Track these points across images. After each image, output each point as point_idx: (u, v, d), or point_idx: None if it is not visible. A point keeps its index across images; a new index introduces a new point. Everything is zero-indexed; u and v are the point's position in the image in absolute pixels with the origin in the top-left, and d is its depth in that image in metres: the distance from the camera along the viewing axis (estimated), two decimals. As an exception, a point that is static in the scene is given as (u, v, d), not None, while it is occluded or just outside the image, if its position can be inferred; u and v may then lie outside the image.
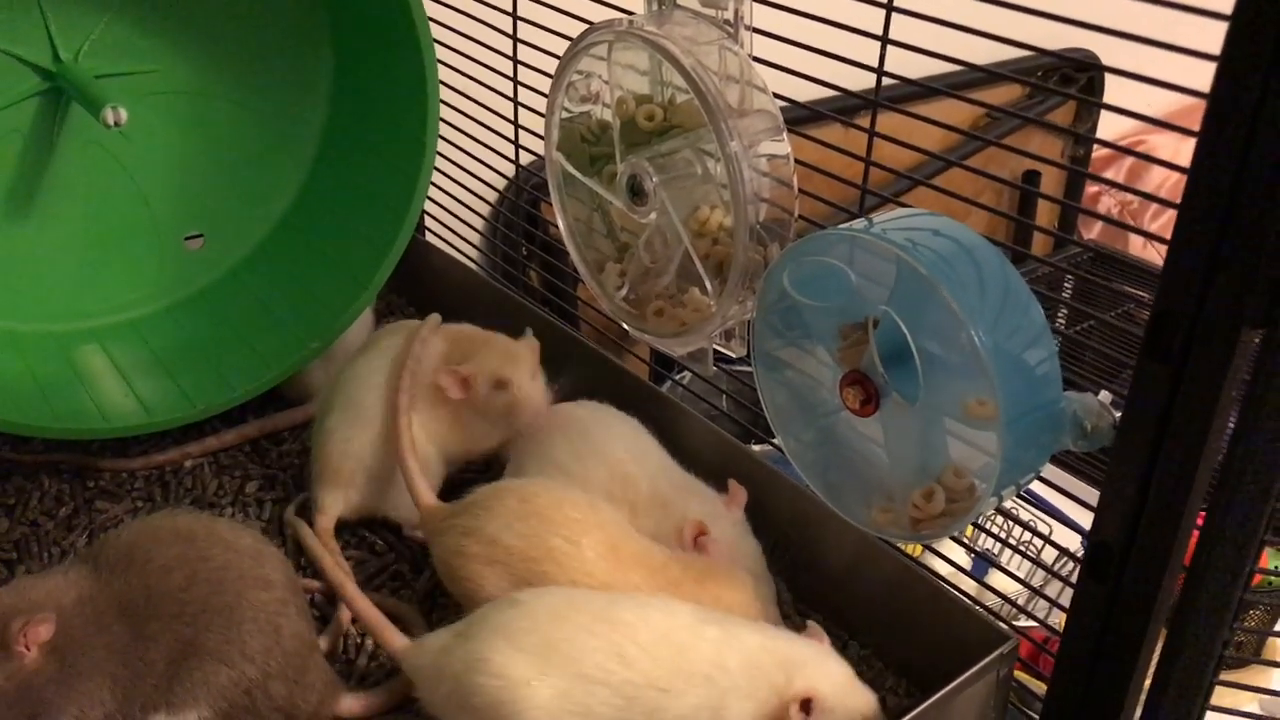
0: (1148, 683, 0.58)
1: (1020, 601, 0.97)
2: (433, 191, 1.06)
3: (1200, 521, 0.54)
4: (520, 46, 0.95)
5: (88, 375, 0.86)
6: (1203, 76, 0.47)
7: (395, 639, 0.66)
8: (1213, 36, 0.46)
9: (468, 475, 0.85)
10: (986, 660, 0.61)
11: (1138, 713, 0.59)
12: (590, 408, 0.79)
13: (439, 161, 0.97)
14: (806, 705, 0.57)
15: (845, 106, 0.77)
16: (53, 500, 0.84)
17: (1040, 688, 0.64)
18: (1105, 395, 0.57)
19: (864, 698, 0.60)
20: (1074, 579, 0.59)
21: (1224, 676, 0.58)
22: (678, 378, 1.15)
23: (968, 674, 0.60)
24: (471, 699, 0.58)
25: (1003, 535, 1.06)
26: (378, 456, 0.79)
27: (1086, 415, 0.57)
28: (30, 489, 0.84)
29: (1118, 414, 0.55)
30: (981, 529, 0.92)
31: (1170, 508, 0.53)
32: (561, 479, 0.74)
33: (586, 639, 0.58)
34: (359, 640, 0.72)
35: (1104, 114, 1.69)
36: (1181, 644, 0.55)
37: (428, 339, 0.79)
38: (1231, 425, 0.51)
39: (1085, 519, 0.58)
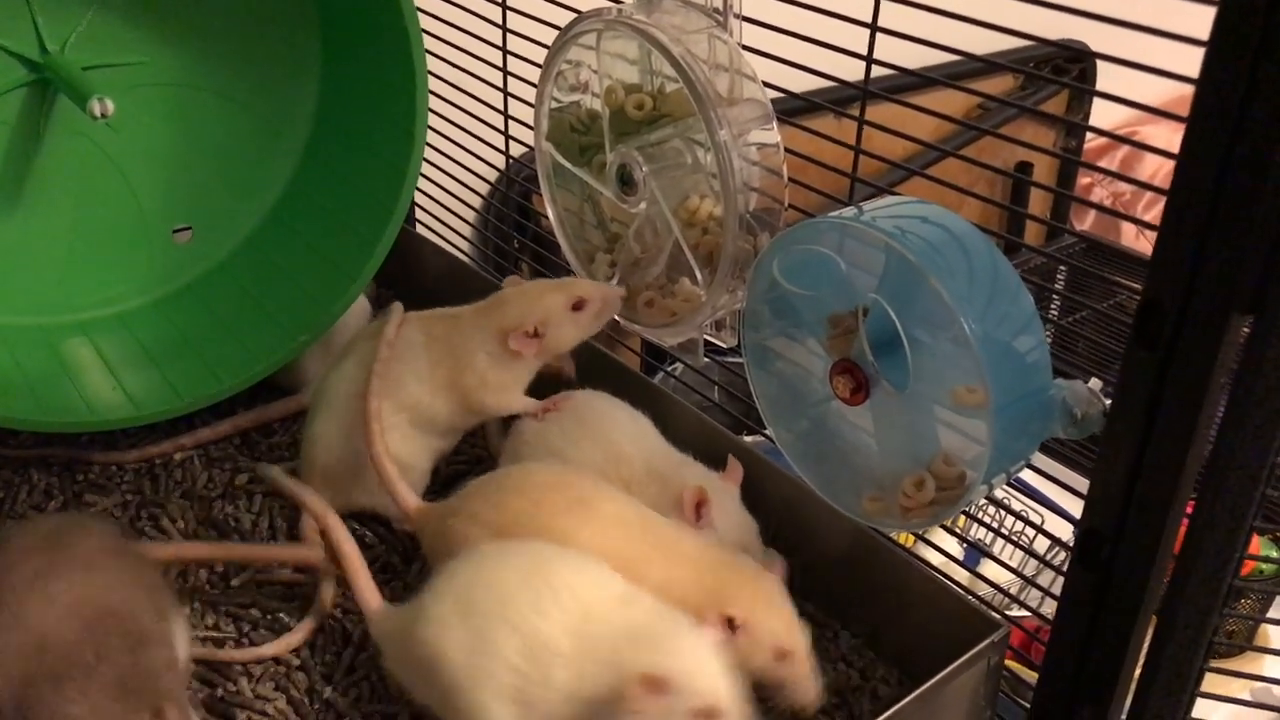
0: (1138, 670, 0.58)
1: (1013, 591, 0.97)
2: (423, 183, 1.06)
3: (1190, 509, 0.53)
4: (510, 36, 0.95)
5: (75, 368, 0.86)
6: (1195, 66, 0.47)
7: (373, 599, 0.66)
8: (1205, 24, 0.46)
9: (460, 469, 0.85)
10: (976, 649, 0.61)
11: (1128, 700, 0.59)
12: (584, 394, 0.79)
13: (429, 153, 0.97)
14: (655, 684, 0.54)
15: (838, 97, 0.77)
16: (42, 494, 0.83)
17: (1033, 677, 0.64)
18: (1095, 382, 0.57)
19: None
20: (1066, 568, 0.59)
21: (1217, 663, 0.58)
22: (670, 369, 1.14)
23: (957, 663, 0.60)
24: (413, 650, 0.59)
25: (995, 525, 1.06)
26: (361, 456, 0.78)
27: (1076, 402, 0.57)
28: (19, 483, 0.84)
29: (1108, 401, 0.55)
30: (974, 519, 0.92)
31: (1160, 495, 0.53)
32: (558, 464, 0.74)
33: (517, 589, 0.58)
34: (347, 631, 0.72)
35: (1097, 105, 1.69)
36: (1171, 631, 0.55)
37: (392, 339, 0.78)
38: (1220, 412, 0.51)
39: (1077, 508, 0.58)
